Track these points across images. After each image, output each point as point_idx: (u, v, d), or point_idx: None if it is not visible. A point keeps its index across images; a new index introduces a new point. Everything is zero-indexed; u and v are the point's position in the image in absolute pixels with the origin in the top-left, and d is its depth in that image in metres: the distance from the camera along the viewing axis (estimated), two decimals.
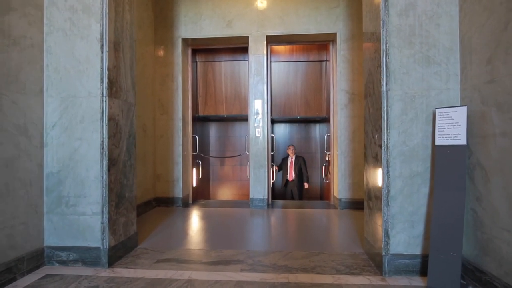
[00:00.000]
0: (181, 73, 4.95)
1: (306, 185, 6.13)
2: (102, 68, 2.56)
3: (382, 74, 2.38)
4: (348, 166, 4.71)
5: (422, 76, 2.38)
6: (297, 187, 6.10)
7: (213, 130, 6.99)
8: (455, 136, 2.17)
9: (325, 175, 5.67)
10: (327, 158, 5.48)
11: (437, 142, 2.25)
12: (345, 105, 4.71)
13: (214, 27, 4.88)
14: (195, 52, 5.98)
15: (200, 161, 5.75)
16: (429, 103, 2.37)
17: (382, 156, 2.38)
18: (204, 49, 6.11)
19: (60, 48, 2.61)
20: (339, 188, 4.73)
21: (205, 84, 6.41)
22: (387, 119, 2.38)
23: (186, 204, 5.06)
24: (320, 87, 6.40)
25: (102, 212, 2.56)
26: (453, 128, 2.18)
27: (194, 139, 5.42)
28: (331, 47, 5.14)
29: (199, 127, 6.00)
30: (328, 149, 5.31)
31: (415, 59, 2.38)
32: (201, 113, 6.28)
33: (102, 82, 2.56)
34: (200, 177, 5.72)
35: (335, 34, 4.77)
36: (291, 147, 6.18)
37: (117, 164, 2.70)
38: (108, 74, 2.57)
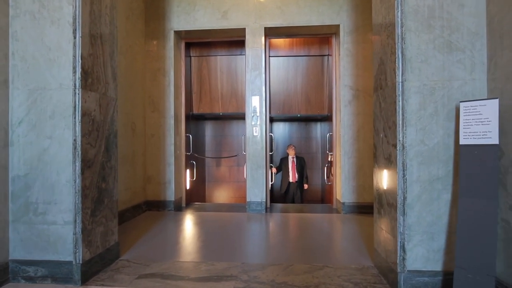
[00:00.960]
0: (173, 68, 4.63)
1: (305, 186, 5.83)
2: (74, 56, 2.23)
3: (397, 62, 2.06)
4: (352, 167, 4.39)
5: (443, 65, 2.06)
6: (299, 189, 5.79)
7: (208, 129, 6.66)
8: (484, 134, 1.84)
9: (327, 177, 5.35)
10: (329, 159, 5.16)
11: (462, 141, 1.93)
12: (349, 102, 4.39)
13: (208, 19, 4.55)
14: (189, 46, 5.66)
15: (194, 162, 5.42)
16: (451, 95, 2.05)
17: (397, 158, 2.06)
18: (199, 43, 5.78)
19: (28, 33, 2.28)
20: (343, 191, 4.41)
21: (199, 80, 6.07)
22: (402, 115, 2.05)
23: (178, 208, 4.73)
24: (322, 83, 6.07)
25: (75, 221, 2.23)
26: (481, 125, 1.86)
27: (187, 138, 5.09)
28: (333, 40, 4.82)
29: (193, 126, 5.66)
30: (331, 149, 4.98)
31: (435, 45, 2.06)
32: (195, 111, 5.95)
33: (74, 72, 2.23)
34: (194, 178, 5.39)
35: (338, 26, 4.45)
36: (292, 147, 5.86)
37: (93, 166, 2.37)
38: (81, 63, 2.24)
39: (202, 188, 6.39)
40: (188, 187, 5.12)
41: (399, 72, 2.05)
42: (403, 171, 2.05)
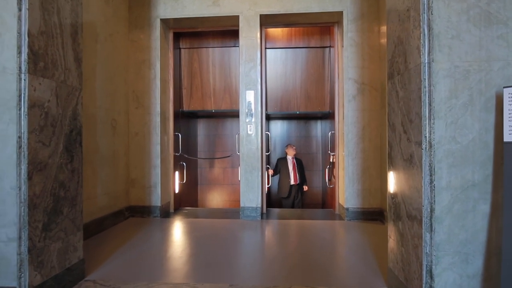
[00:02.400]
0: (160, 60, 4.20)
1: (305, 188, 5.43)
2: (19, 33, 1.80)
3: (422, 38, 1.63)
4: (356, 169, 3.97)
5: (480, 42, 1.64)
6: (300, 192, 5.37)
7: (200, 127, 6.22)
8: None
9: (329, 180, 4.92)
10: (331, 160, 4.73)
11: (506, 138, 1.51)
12: (353, 97, 3.97)
13: (198, 5, 4.12)
14: (178, 36, 5.22)
15: (184, 163, 4.98)
16: (490, 80, 1.63)
17: (423, 158, 1.63)
18: (189, 33, 5.34)
19: None
20: (346, 195, 3.99)
21: (190, 74, 5.63)
22: (429, 104, 1.63)
23: (166, 214, 4.30)
24: (323, 78, 5.64)
25: (20, 237, 1.79)
26: None
27: (176, 137, 4.66)
28: (335, 30, 4.40)
29: (183, 124, 5.23)
30: (332, 149, 4.56)
31: (469, 16, 1.64)
32: (185, 108, 5.51)
33: (19, 52, 1.80)
34: (184, 181, 4.95)
35: (341, 13, 4.03)
36: (291, 146, 5.44)
37: (46, 169, 1.93)
38: (29, 42, 1.81)
39: (194, 192, 5.95)
40: (177, 191, 4.69)
41: (424, 51, 1.63)
42: (430, 175, 1.62)
